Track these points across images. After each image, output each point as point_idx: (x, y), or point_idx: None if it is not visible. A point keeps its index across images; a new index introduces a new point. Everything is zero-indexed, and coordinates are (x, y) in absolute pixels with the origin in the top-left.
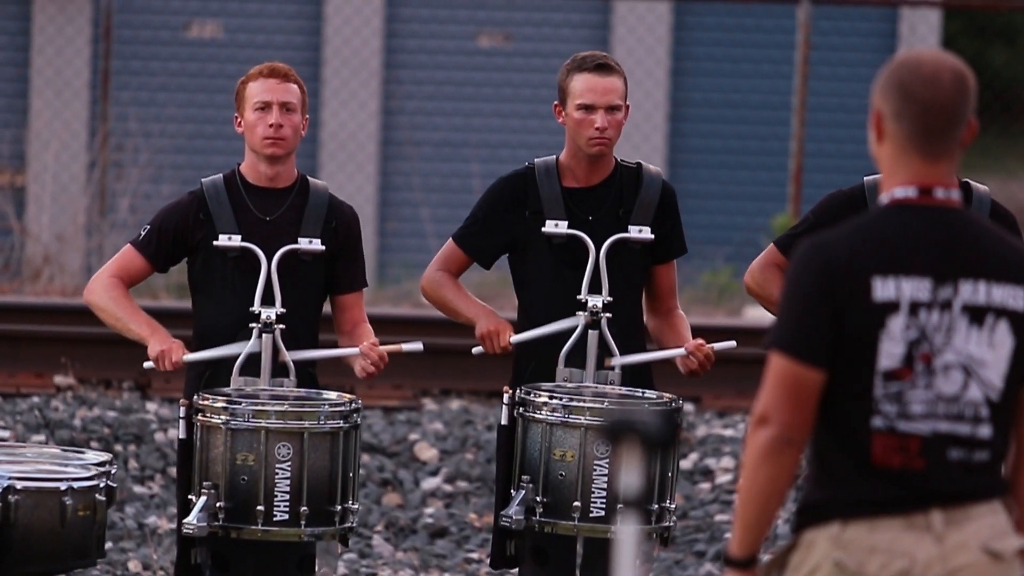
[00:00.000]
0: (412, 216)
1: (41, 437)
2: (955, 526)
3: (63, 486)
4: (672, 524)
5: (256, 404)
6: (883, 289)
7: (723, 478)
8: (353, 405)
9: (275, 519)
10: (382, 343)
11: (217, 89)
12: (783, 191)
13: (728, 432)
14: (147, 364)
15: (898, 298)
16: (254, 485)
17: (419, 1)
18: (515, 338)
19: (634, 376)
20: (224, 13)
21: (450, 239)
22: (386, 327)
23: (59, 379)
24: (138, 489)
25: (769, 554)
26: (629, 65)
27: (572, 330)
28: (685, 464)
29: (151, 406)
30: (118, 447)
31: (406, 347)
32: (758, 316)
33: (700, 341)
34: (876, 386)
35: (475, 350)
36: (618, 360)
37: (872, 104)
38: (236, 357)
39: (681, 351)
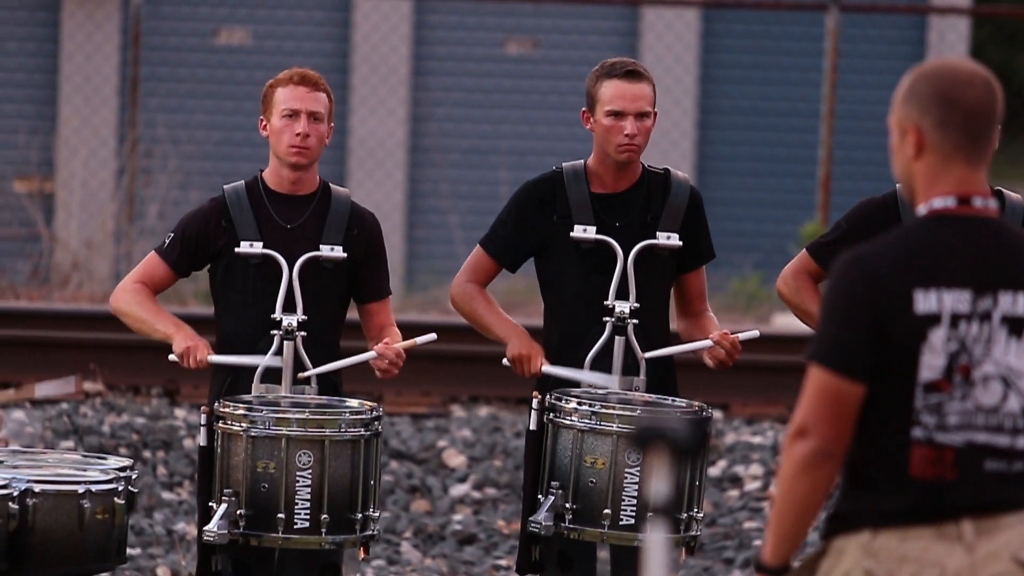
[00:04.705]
0: (440, 223)
1: (70, 443)
2: (986, 536)
3: (81, 489)
4: (699, 533)
5: (277, 412)
6: (924, 302)
7: (751, 485)
8: (374, 413)
9: (296, 527)
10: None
11: (245, 96)
12: (811, 199)
13: (756, 439)
14: (172, 357)
15: (939, 310)
16: (275, 493)
17: (447, 8)
18: (547, 368)
19: (660, 384)
20: (252, 20)
21: (478, 245)
22: (414, 334)
23: (88, 385)
24: (166, 495)
25: (798, 561)
26: (657, 72)
27: (604, 384)
28: (713, 471)
29: (179, 412)
30: (146, 453)
31: (420, 340)
32: (787, 323)
33: (725, 331)
34: (917, 397)
35: (505, 362)
36: (648, 354)
37: (900, 121)
38: (258, 365)
39: (707, 342)
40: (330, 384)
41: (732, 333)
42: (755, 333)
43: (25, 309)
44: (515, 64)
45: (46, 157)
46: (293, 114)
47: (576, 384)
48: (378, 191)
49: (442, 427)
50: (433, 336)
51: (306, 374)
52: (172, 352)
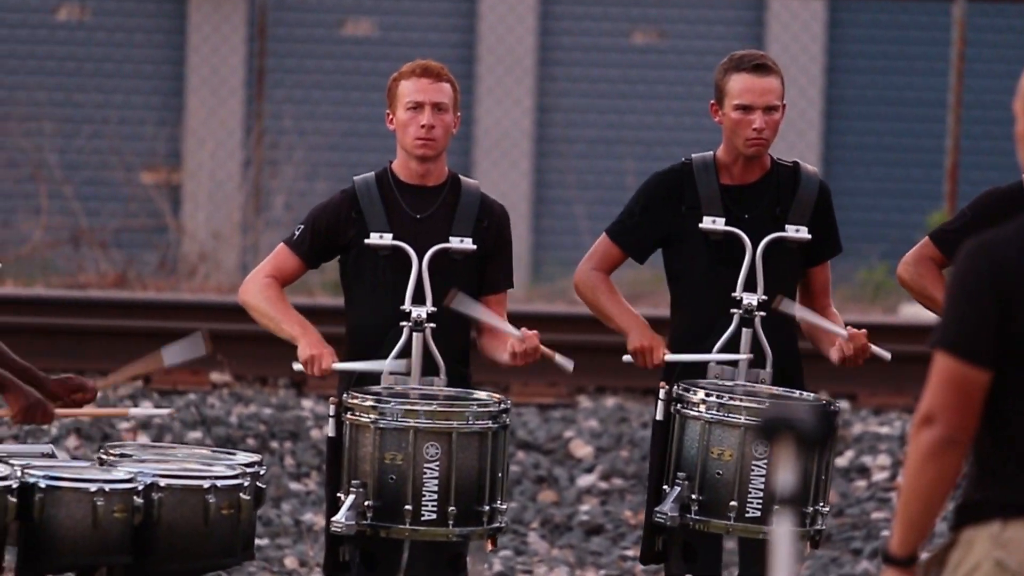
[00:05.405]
0: (566, 214)
1: (198, 434)
2: None
3: (206, 484)
4: (824, 527)
5: (405, 404)
6: None
7: (879, 476)
8: (502, 405)
9: (423, 518)
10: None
11: (371, 87)
12: (939, 188)
13: (884, 430)
14: (296, 366)
15: None
16: (402, 484)
17: None
18: (669, 357)
19: (785, 377)
20: (378, 11)
21: (604, 234)
22: (540, 325)
23: (215, 376)
24: (294, 486)
25: (928, 552)
26: (784, 62)
27: (730, 363)
28: (841, 462)
29: (306, 403)
30: (274, 444)
31: (559, 359)
32: (914, 313)
33: (864, 331)
34: None
35: (626, 358)
36: (788, 305)
37: None
38: (388, 348)
39: (843, 332)
40: (459, 376)
41: (867, 341)
42: (886, 355)
43: (153, 300)
44: (641, 54)
45: (173, 148)
46: (417, 106)
47: (702, 370)
48: (504, 181)
49: (569, 418)
50: (570, 366)
51: (453, 302)
52: (297, 358)
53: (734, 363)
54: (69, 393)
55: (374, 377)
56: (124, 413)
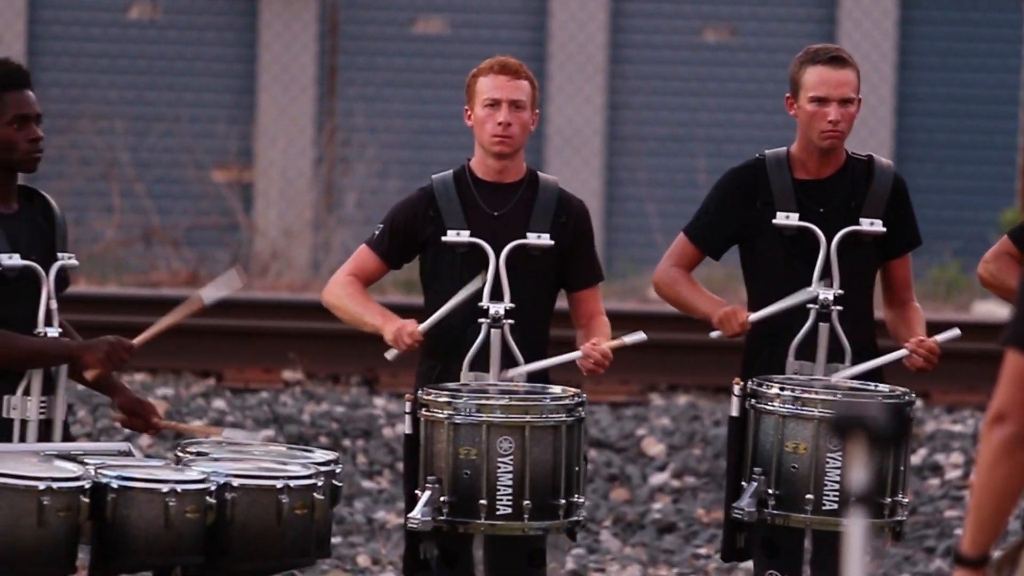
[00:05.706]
0: (638, 211)
1: (270, 432)
2: None
3: (280, 484)
4: (904, 518)
5: (479, 398)
6: None
7: (952, 474)
8: (577, 399)
9: (498, 513)
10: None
11: (443, 84)
12: (1011, 185)
13: (957, 428)
14: (389, 355)
15: None
16: (476, 479)
17: None
18: (753, 316)
19: (864, 373)
20: (449, 8)
21: (681, 233)
22: (613, 322)
23: (288, 374)
24: (366, 484)
25: (1000, 550)
26: (855, 59)
27: (808, 300)
28: (914, 460)
29: (379, 401)
30: (346, 442)
31: (628, 339)
32: (987, 311)
33: (921, 337)
34: None
35: (713, 334)
36: (844, 372)
37: None
38: (467, 345)
39: (903, 352)
40: (539, 371)
41: (929, 338)
42: (955, 332)
43: (225, 298)
44: (712, 52)
45: (245, 146)
46: (495, 103)
47: (779, 357)
48: (575, 179)
49: (641, 416)
50: (642, 336)
51: (511, 372)
52: (387, 349)
53: (811, 350)
54: (132, 413)
55: (454, 374)
56: (218, 431)
